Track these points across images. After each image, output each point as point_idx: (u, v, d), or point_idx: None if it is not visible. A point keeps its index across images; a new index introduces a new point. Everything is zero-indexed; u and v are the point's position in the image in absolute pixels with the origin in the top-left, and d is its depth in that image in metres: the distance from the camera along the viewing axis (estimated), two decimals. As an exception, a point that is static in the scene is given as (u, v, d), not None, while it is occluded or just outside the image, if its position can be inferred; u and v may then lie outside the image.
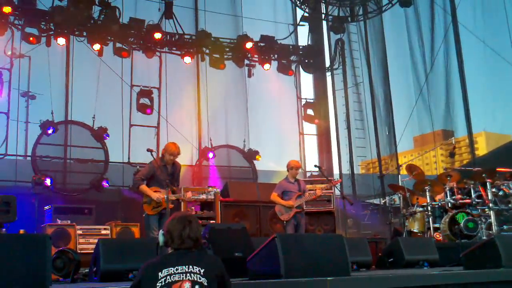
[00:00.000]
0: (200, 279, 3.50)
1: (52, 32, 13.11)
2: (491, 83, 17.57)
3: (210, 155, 14.70)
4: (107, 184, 12.99)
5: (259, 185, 12.39)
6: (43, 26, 13.07)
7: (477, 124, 15.80)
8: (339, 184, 10.81)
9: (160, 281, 3.46)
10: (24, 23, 12.92)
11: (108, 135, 13.48)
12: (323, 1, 16.10)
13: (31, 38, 12.81)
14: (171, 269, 3.50)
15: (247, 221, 10.77)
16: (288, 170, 9.52)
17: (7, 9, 12.25)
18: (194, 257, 3.62)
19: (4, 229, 9.00)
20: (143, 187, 7.90)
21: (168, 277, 3.48)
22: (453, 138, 12.13)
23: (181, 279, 3.48)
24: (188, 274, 3.50)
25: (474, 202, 9.93)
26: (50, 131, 12.72)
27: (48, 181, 12.18)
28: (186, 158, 14.84)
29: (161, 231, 3.84)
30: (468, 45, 16.04)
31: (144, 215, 7.99)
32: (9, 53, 12.84)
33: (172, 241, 3.69)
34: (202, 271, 3.54)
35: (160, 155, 8.31)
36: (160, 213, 7.80)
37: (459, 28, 15.92)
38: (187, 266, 3.53)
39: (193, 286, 3.47)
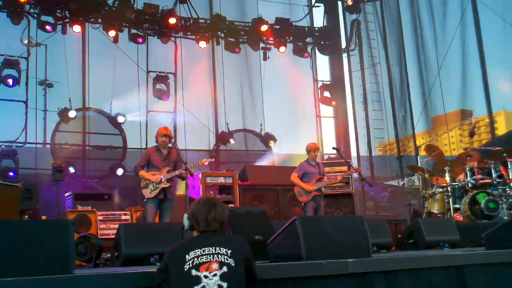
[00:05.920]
0: (227, 260, 3.51)
1: (68, 20, 13.16)
2: (510, 61, 17.20)
3: (227, 139, 14.68)
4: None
5: (277, 168, 12.37)
6: (59, 14, 13.10)
7: (496, 103, 15.47)
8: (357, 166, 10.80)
9: (188, 263, 3.47)
10: (40, 11, 12.93)
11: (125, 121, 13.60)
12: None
13: (47, 26, 12.84)
14: (198, 251, 3.51)
15: (266, 205, 10.78)
16: (307, 153, 9.52)
17: (23, -2, 12.30)
18: (221, 239, 3.63)
19: (26, 216, 9.14)
20: (142, 172, 8.09)
21: (196, 258, 3.48)
22: (473, 117, 11.99)
23: (209, 260, 3.48)
24: (215, 255, 3.51)
25: (494, 182, 9.85)
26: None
27: (71, 169, 12.34)
28: (203, 142, 14.91)
29: (185, 215, 3.85)
30: (486, 22, 15.71)
31: (144, 201, 8.10)
32: (26, 42, 12.94)
33: (198, 224, 3.71)
34: (229, 252, 3.54)
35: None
36: (159, 198, 7.95)
37: (477, 4, 15.59)
38: (214, 248, 3.53)
39: (221, 267, 3.47)
